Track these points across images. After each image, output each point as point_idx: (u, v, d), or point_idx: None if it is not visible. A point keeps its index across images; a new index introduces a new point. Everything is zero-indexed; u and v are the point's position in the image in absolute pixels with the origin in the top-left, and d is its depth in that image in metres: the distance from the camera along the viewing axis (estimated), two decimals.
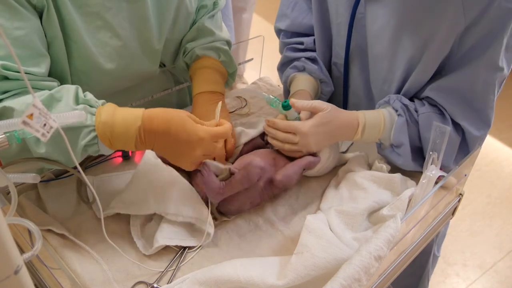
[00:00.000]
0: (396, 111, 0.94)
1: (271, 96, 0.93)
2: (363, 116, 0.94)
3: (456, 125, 0.96)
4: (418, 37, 0.90)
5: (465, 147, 0.97)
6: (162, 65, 1.05)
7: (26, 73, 0.74)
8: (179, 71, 1.10)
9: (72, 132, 0.72)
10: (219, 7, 1.09)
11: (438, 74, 0.95)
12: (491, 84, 0.91)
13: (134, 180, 0.86)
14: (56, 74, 0.81)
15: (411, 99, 0.99)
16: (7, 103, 0.72)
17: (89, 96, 0.77)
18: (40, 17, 0.77)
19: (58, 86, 0.79)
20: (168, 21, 0.96)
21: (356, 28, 0.99)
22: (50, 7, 0.76)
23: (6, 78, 0.73)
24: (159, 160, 0.88)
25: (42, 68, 0.78)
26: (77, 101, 0.75)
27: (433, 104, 0.96)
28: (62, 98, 0.74)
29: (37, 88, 0.76)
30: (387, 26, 0.92)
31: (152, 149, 0.79)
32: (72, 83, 0.85)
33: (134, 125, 0.74)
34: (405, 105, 0.95)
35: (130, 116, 0.75)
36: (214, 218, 0.86)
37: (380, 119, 0.94)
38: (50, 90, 0.76)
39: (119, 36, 0.86)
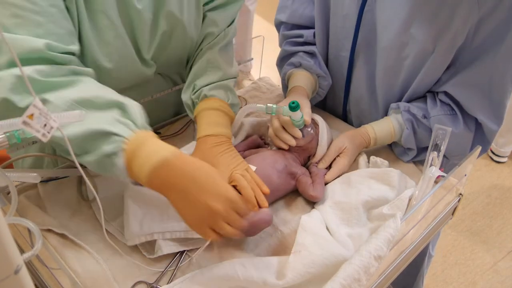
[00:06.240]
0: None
1: (268, 105, 0.93)
2: (374, 134, 1.00)
3: (469, 121, 0.96)
4: (431, 29, 0.90)
5: (485, 141, 0.98)
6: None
7: (68, 52, 0.73)
8: (185, 106, 0.98)
9: (100, 136, 0.68)
10: (230, 37, 1.01)
11: (451, 66, 0.95)
12: (510, 76, 0.91)
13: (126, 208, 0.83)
14: None
15: (425, 94, 1.02)
16: (47, 96, 0.68)
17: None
18: None
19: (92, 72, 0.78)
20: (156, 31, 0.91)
21: (364, 21, 1.00)
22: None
23: (53, 61, 0.70)
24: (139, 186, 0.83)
25: (76, 45, 0.76)
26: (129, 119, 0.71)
27: (446, 102, 0.97)
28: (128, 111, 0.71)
29: (79, 74, 0.74)
30: (396, 17, 0.92)
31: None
32: None
33: (148, 164, 0.68)
34: (413, 115, 0.98)
35: (153, 153, 0.68)
36: None
37: (390, 131, 1.00)
38: (90, 76, 0.76)
39: (120, 36, 0.84)
